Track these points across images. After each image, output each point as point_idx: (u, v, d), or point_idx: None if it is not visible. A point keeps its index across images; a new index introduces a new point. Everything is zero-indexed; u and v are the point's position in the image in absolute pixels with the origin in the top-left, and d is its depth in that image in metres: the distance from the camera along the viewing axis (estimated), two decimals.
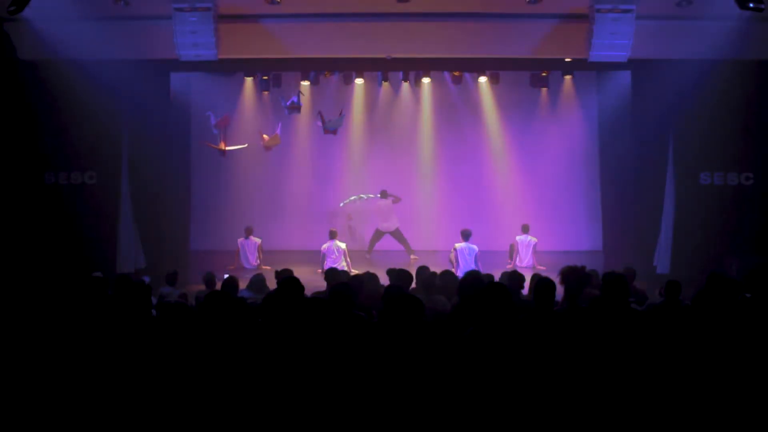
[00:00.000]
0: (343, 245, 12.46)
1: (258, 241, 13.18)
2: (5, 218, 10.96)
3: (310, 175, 14.59)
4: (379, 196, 13.81)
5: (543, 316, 4.60)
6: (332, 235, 12.56)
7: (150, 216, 11.92)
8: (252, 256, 13.09)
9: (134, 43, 10.47)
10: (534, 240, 13.01)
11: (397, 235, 13.61)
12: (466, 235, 11.85)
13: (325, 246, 12.45)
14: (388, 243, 13.75)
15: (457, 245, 11.75)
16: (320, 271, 12.04)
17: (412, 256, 13.16)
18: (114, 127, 11.33)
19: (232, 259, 13.03)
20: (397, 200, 13.68)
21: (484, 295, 4.13)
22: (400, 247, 13.52)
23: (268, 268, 11.92)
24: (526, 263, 12.87)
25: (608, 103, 13.37)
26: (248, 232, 13.23)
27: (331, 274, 7.30)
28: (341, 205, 14.28)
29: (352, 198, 14.24)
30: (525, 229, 13.17)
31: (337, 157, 14.63)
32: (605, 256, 12.97)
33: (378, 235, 13.67)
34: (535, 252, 12.91)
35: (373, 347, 3.89)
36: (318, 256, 12.46)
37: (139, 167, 11.62)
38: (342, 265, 11.96)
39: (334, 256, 12.29)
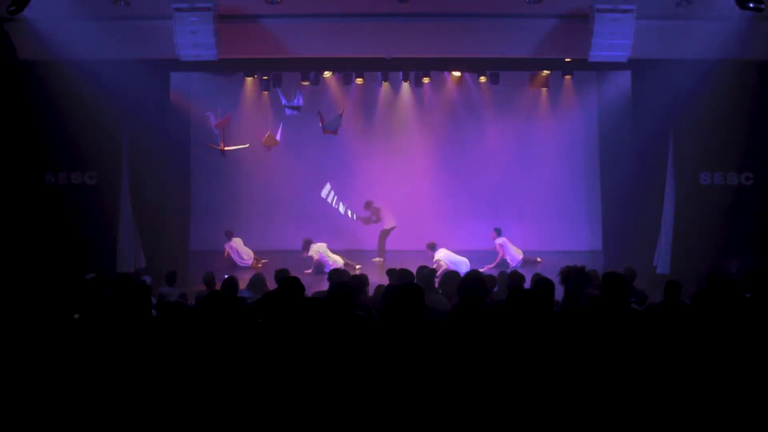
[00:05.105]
0: (323, 245, 12.68)
1: (239, 240, 13.41)
2: (5, 218, 10.96)
3: (310, 176, 14.58)
4: (358, 215, 13.88)
5: (543, 316, 4.59)
6: (305, 246, 12.73)
7: (150, 216, 11.91)
8: (243, 254, 13.29)
9: (134, 43, 10.45)
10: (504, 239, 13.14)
11: (384, 234, 13.69)
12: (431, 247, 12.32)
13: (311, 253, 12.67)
14: (391, 243, 13.73)
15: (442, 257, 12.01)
16: (309, 271, 12.24)
17: (376, 258, 13.36)
18: (114, 127, 11.30)
19: (224, 261, 13.12)
20: (370, 221, 13.72)
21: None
22: (404, 247, 13.51)
23: (265, 261, 12.15)
24: (517, 262, 12.86)
25: (608, 103, 13.37)
26: (229, 235, 13.42)
27: (335, 275, 7.29)
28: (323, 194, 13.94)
29: (328, 192, 13.83)
30: (498, 232, 13.21)
31: (337, 158, 14.62)
32: (605, 256, 12.97)
33: (384, 234, 13.67)
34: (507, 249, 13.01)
35: (372, 347, 3.89)
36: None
37: (139, 167, 11.60)
38: (331, 261, 12.25)
39: (325, 260, 12.51)
